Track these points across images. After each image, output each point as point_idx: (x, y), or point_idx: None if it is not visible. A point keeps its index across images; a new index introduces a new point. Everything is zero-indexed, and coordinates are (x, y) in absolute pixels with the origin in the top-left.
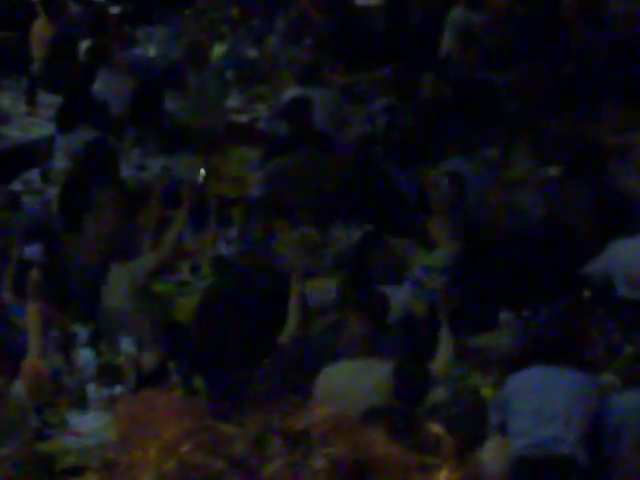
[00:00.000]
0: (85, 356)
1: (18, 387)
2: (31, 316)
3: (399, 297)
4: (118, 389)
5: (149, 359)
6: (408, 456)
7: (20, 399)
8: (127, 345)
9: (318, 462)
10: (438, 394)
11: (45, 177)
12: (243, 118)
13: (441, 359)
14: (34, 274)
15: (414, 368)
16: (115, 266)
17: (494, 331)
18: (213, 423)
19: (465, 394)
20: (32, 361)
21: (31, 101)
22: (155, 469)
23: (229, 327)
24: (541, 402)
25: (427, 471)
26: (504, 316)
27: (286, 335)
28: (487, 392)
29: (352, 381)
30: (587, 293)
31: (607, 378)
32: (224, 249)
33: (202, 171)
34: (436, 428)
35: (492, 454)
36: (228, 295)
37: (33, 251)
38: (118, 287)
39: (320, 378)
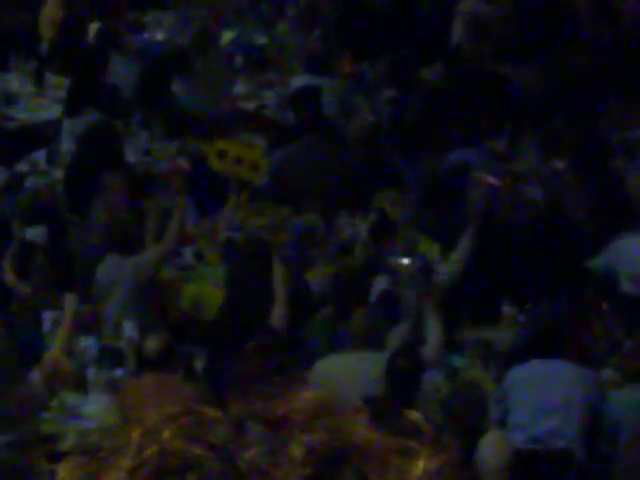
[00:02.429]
0: (86, 339)
1: (35, 376)
2: (67, 310)
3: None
4: (118, 372)
5: (152, 343)
6: (388, 441)
7: (35, 388)
8: (129, 329)
9: (296, 449)
10: (436, 384)
11: (51, 159)
12: (250, 105)
13: (430, 344)
14: (40, 258)
15: (404, 359)
16: (118, 258)
17: (496, 324)
18: (196, 407)
19: (466, 387)
20: (54, 354)
21: (39, 82)
22: (135, 455)
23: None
24: (540, 396)
25: (407, 456)
26: (506, 309)
27: (276, 317)
28: (488, 386)
29: (347, 373)
30: (590, 288)
31: (608, 373)
32: (226, 234)
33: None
34: (415, 415)
35: (491, 448)
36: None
37: (36, 233)
38: (123, 281)
39: (315, 370)
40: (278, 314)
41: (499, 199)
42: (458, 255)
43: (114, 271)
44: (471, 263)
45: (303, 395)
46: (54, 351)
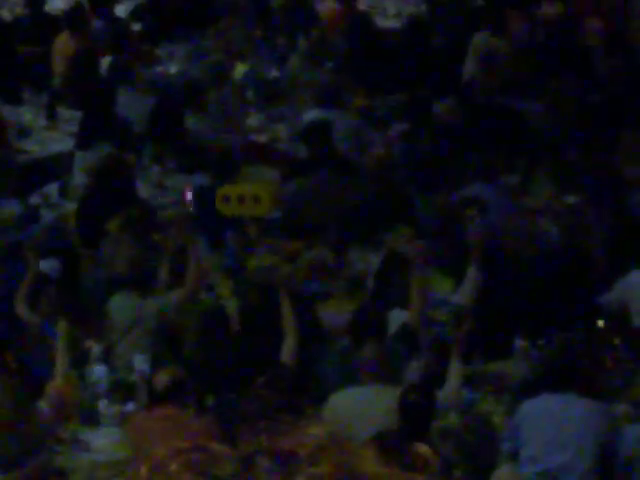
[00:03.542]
0: (98, 372)
1: (41, 407)
2: (60, 337)
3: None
4: (130, 406)
5: (162, 377)
6: (395, 475)
7: (43, 419)
8: (140, 363)
9: None
10: (450, 419)
11: (63, 192)
12: (262, 138)
13: (450, 388)
14: (51, 291)
15: (418, 396)
16: (135, 297)
17: (508, 358)
18: (204, 442)
19: (477, 421)
20: (57, 383)
21: (51, 116)
22: None
23: (232, 345)
24: (553, 430)
25: None
26: (519, 343)
27: (286, 352)
28: (499, 419)
29: (362, 406)
30: (602, 322)
31: (621, 407)
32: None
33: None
34: (423, 448)
35: None
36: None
37: (49, 266)
38: (142, 322)
39: (329, 402)
40: (288, 349)
41: (509, 233)
42: (464, 289)
43: (131, 310)
44: (484, 296)
45: (310, 430)
46: (56, 381)
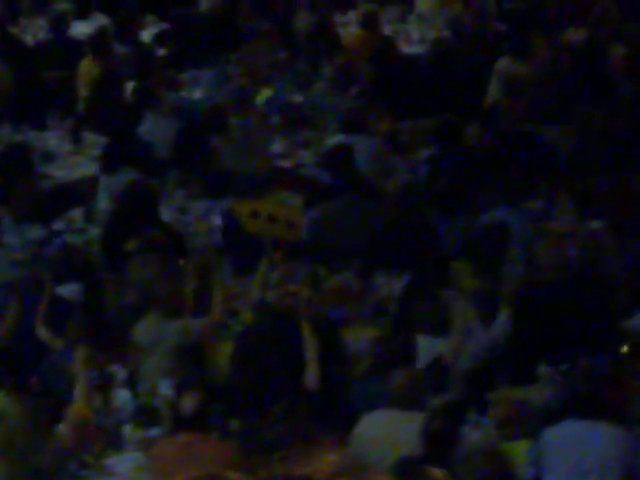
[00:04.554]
0: (122, 397)
1: (61, 431)
2: (79, 361)
3: (441, 348)
4: (154, 431)
5: (187, 402)
6: None
7: (62, 443)
8: (165, 388)
9: None
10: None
11: (88, 216)
12: (287, 163)
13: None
14: (76, 316)
15: (443, 423)
16: (160, 319)
17: (532, 384)
18: (220, 471)
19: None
20: (77, 407)
21: (76, 140)
22: None
23: (262, 371)
24: (577, 456)
25: None
26: (543, 369)
27: (309, 379)
28: (522, 445)
29: (390, 431)
30: (627, 347)
31: None
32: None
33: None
34: (437, 472)
35: None
36: (262, 339)
37: (70, 290)
38: (164, 343)
39: (358, 426)
40: (310, 376)
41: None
42: (494, 332)
43: (155, 331)
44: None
45: (326, 457)
46: (76, 405)
